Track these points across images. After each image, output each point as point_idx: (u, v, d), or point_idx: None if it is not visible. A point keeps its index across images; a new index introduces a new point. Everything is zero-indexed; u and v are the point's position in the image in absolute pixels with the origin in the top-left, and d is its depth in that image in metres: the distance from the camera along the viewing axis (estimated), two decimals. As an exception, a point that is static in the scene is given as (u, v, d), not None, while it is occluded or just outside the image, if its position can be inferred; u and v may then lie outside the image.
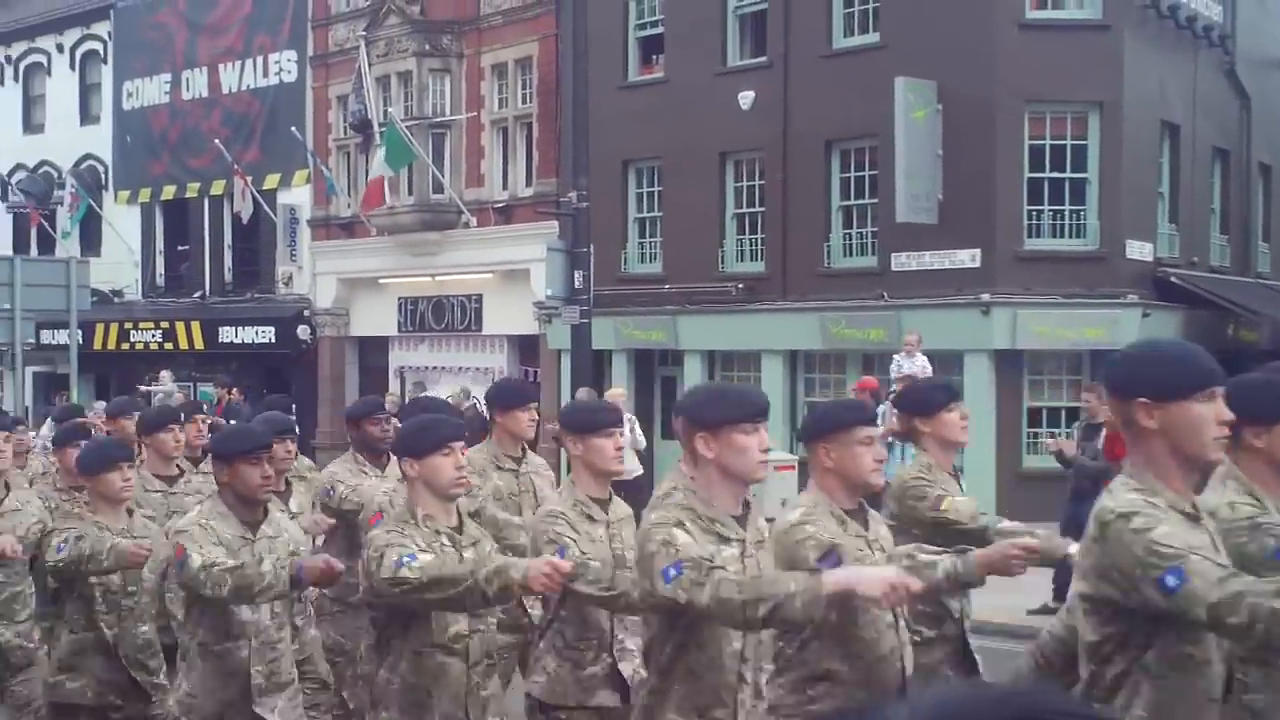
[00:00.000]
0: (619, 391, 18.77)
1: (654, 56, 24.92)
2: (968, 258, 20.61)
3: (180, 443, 7.93)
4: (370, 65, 26.90)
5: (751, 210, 23.50)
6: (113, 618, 6.51)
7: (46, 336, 26.84)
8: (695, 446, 4.41)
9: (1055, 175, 20.75)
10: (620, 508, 5.81)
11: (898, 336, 19.66)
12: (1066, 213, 20.74)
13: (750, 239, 23.56)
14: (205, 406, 14.29)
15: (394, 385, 27.77)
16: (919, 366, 17.97)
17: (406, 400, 19.04)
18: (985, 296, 20.27)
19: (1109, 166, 20.62)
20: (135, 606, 6.59)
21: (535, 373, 26.35)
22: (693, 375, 24.03)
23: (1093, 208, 20.71)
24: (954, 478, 6.24)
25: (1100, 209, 20.64)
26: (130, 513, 6.65)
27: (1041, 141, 20.70)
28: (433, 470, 5.04)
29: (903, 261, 21.25)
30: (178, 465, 8.00)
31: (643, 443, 17.42)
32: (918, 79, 20.40)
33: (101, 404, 25.16)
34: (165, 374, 26.13)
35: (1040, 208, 20.75)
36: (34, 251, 33.10)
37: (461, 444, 5.21)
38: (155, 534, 6.67)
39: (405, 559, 4.75)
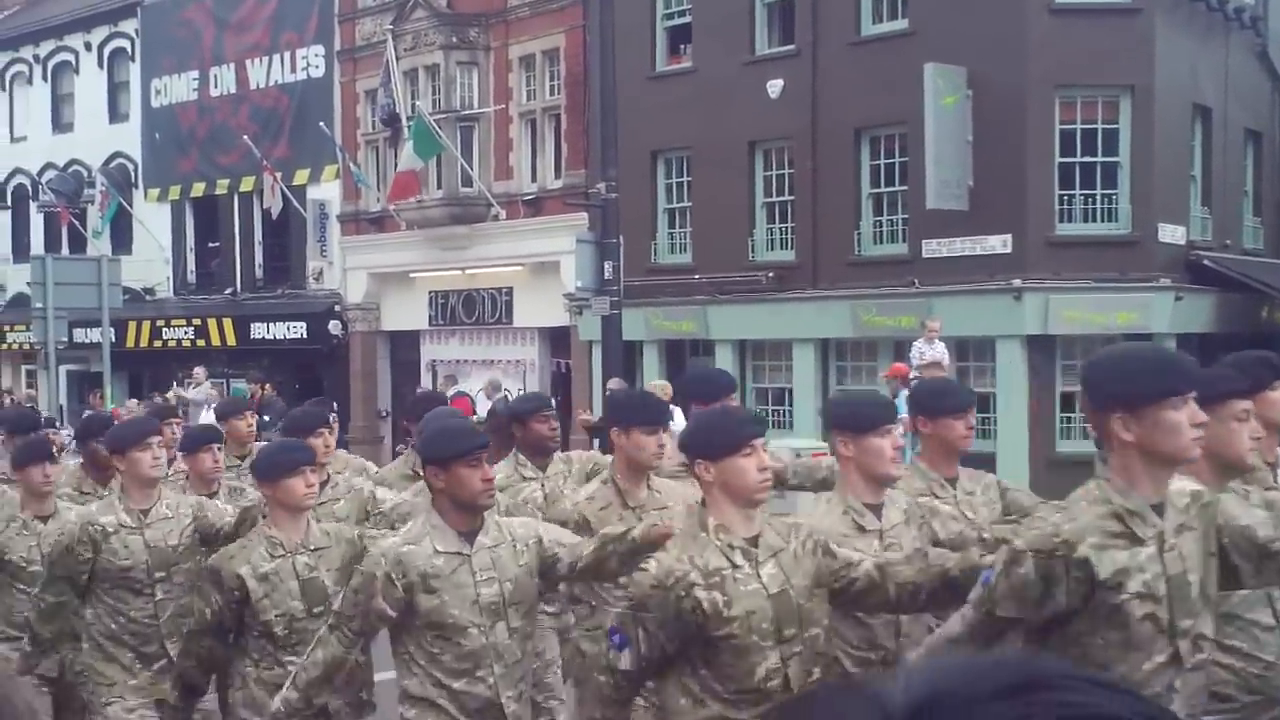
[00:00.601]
0: (662, 384, 18.71)
1: (682, 46, 24.88)
2: (999, 244, 20.54)
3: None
4: (397, 59, 26.93)
5: (781, 199, 23.46)
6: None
7: (79, 335, 27.01)
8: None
9: (1086, 160, 20.65)
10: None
11: (930, 323, 19.65)
12: (1098, 197, 20.65)
13: (780, 228, 23.52)
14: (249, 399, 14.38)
15: (425, 379, 27.86)
16: (939, 353, 17.97)
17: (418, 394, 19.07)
18: (1017, 282, 20.20)
19: (1140, 150, 20.51)
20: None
21: (567, 364, 26.40)
22: (724, 365, 23.96)
23: (1124, 192, 20.61)
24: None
25: (1132, 193, 20.54)
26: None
27: (1072, 126, 20.60)
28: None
29: (933, 248, 21.20)
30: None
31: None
32: (947, 65, 20.33)
33: (134, 402, 25.38)
34: (199, 370, 26.26)
35: (1071, 192, 20.66)
36: (65, 250, 33.25)
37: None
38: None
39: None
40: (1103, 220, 20.70)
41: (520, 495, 6.81)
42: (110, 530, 6.48)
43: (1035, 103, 20.32)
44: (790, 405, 22.80)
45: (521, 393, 25.77)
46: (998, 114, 20.27)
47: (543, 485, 7.03)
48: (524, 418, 7.36)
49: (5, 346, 36.82)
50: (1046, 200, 20.50)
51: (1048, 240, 20.44)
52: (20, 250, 36.55)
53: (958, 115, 20.39)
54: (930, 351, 17.78)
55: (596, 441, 18.40)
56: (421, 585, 4.94)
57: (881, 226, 22.25)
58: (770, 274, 23.15)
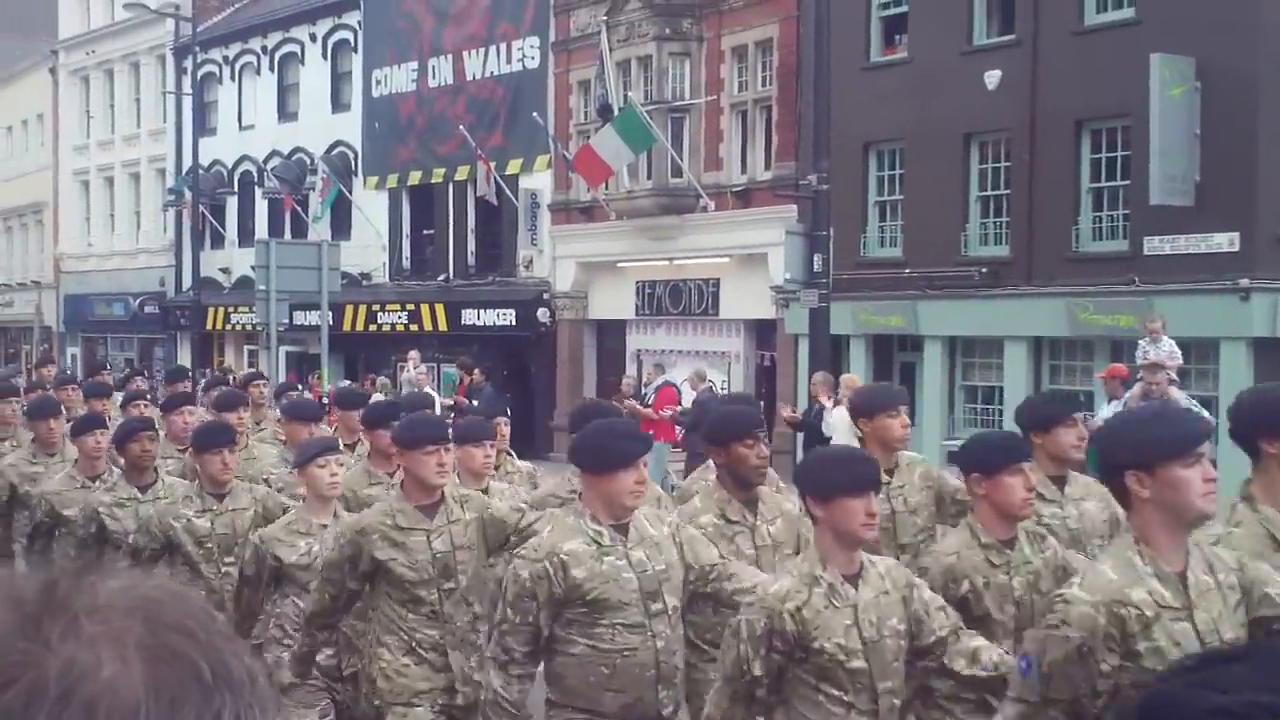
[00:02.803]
0: (854, 379, 18.48)
1: (897, 36, 24.54)
2: (1225, 241, 19.77)
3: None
4: (611, 50, 27.10)
5: (996, 192, 22.97)
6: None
7: (299, 317, 27.78)
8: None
9: (1323, 155, 19.75)
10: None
11: (1150, 323, 18.99)
12: (1334, 194, 19.73)
13: (995, 222, 23.03)
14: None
15: (631, 369, 28.00)
16: (1166, 353, 17.25)
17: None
18: (1244, 282, 19.41)
19: (1382, 145, 19.54)
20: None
21: (772, 357, 26.27)
22: (932, 362, 23.65)
23: (1363, 188, 19.66)
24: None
25: (1372, 190, 19.58)
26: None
27: (1308, 119, 19.74)
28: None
29: (1155, 245, 20.51)
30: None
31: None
32: (1175, 55, 19.64)
33: (348, 383, 26.06)
34: (414, 354, 26.83)
35: (1306, 189, 19.80)
36: (288, 235, 34.19)
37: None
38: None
39: None
40: (1339, 218, 19.78)
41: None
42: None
43: (1269, 94, 19.47)
44: (1000, 404, 22.30)
45: (726, 387, 25.80)
46: (1227, 106, 19.50)
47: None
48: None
49: (230, 327, 38.14)
50: (1277, 197, 19.63)
51: (1278, 238, 19.60)
52: (245, 235, 37.81)
53: (1185, 107, 19.68)
54: (1154, 351, 17.06)
55: (801, 436, 18.30)
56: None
57: (1101, 222, 21.61)
58: (983, 269, 22.68)
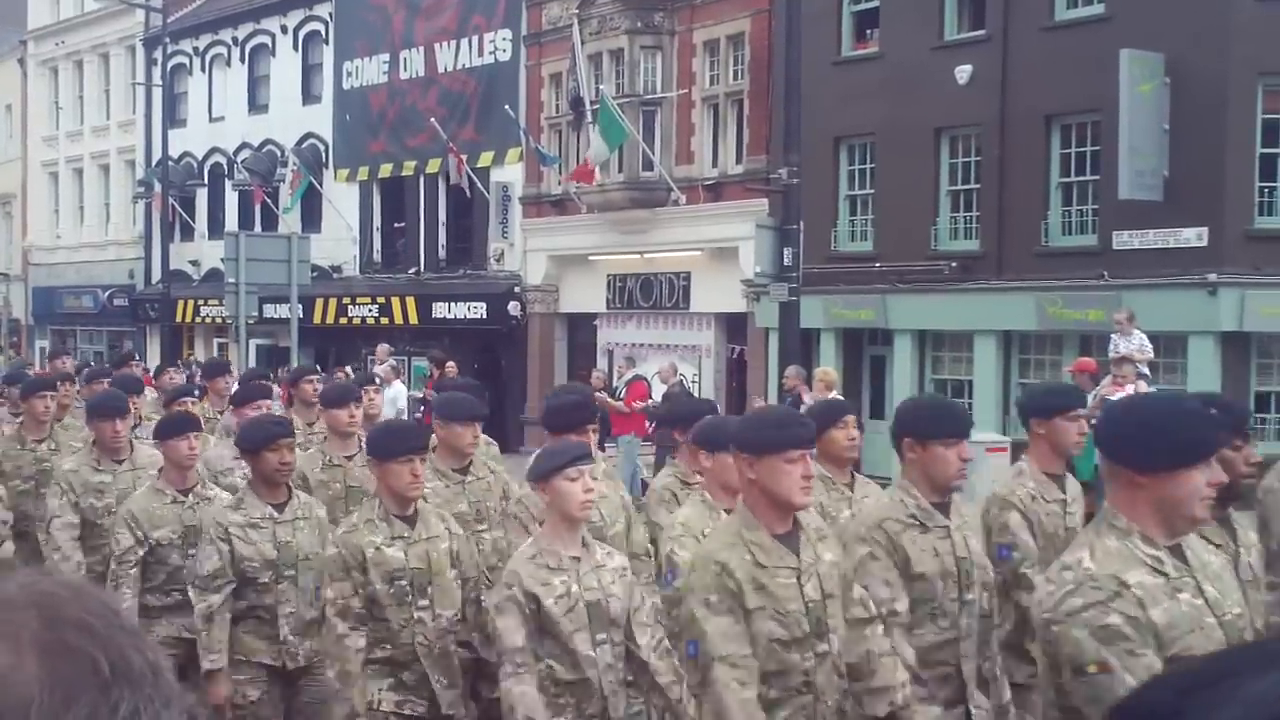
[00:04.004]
0: (828, 372, 18.51)
1: (869, 31, 24.57)
2: (1194, 236, 19.87)
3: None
4: (583, 43, 27.05)
5: (966, 187, 23.03)
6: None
7: (269, 310, 27.64)
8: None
9: (1290, 151, 19.87)
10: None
11: (1119, 318, 19.07)
12: (1301, 190, 19.86)
13: (965, 216, 23.09)
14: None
15: (602, 362, 27.97)
16: (1135, 346, 17.32)
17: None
18: (1212, 276, 19.52)
19: (1349, 142, 19.66)
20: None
21: (741, 350, 26.29)
22: (902, 356, 23.71)
23: (1330, 185, 19.78)
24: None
25: (1338, 186, 19.71)
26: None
27: (1275, 116, 19.81)
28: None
29: (1125, 240, 20.61)
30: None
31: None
32: (1144, 51, 19.73)
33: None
34: (383, 348, 26.74)
35: (1273, 184, 19.89)
36: (258, 228, 34.10)
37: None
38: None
39: None
40: (1305, 214, 19.91)
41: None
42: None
43: (1236, 91, 19.58)
44: (970, 398, 22.37)
45: (697, 381, 25.85)
46: (1196, 102, 19.59)
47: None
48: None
49: (199, 320, 37.99)
50: (1246, 192, 19.77)
51: (1246, 233, 19.71)
52: (215, 227, 37.69)
53: (1154, 103, 19.77)
54: (1125, 345, 17.12)
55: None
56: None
57: (1071, 217, 21.70)
58: (953, 263, 22.75)
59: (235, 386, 11.19)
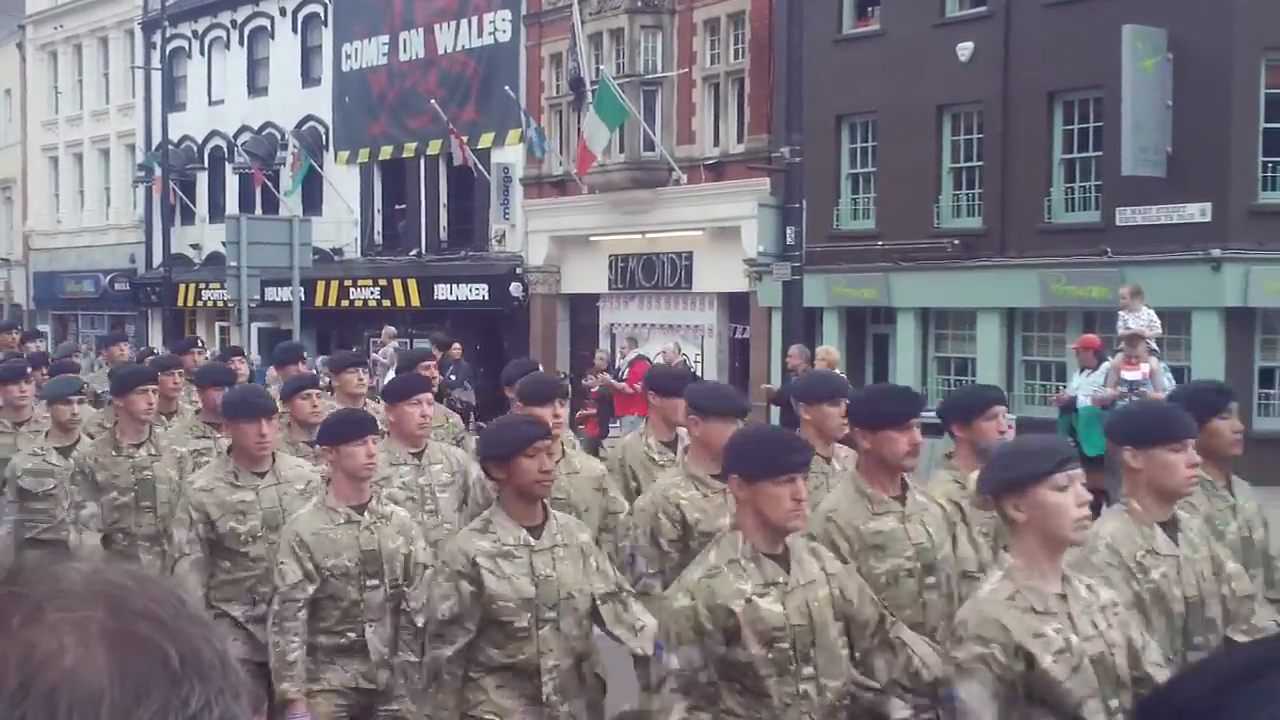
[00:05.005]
0: (830, 351, 18.45)
1: (869, 9, 24.50)
2: (1197, 212, 19.84)
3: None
4: (583, 23, 26.96)
5: (969, 165, 22.98)
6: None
7: (271, 293, 27.61)
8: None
9: (1293, 126, 19.82)
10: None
11: (1123, 294, 19.01)
12: (1305, 165, 19.81)
13: (968, 194, 23.05)
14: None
15: (604, 343, 27.94)
16: (1145, 323, 17.19)
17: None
18: (1216, 252, 19.50)
19: (1352, 116, 19.61)
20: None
21: (744, 330, 26.26)
22: (905, 334, 23.69)
23: (1333, 159, 19.74)
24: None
25: (1342, 161, 19.67)
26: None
27: (1279, 91, 19.77)
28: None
29: (1128, 216, 20.57)
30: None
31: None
32: (1147, 27, 19.67)
33: (323, 359, 25.90)
34: (389, 330, 26.71)
35: (1276, 160, 19.85)
36: (259, 211, 34.02)
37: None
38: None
39: None
40: (1309, 189, 19.87)
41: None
42: None
43: (1240, 67, 19.53)
44: (973, 376, 22.35)
45: (700, 361, 25.76)
46: (1199, 78, 19.53)
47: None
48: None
49: (201, 304, 37.94)
50: (1249, 168, 19.73)
51: (1249, 209, 19.67)
52: (216, 210, 37.62)
53: (1157, 79, 19.71)
54: (1134, 321, 16.97)
55: (778, 411, 18.20)
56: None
57: (1074, 193, 21.66)
58: (956, 241, 22.71)
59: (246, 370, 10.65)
